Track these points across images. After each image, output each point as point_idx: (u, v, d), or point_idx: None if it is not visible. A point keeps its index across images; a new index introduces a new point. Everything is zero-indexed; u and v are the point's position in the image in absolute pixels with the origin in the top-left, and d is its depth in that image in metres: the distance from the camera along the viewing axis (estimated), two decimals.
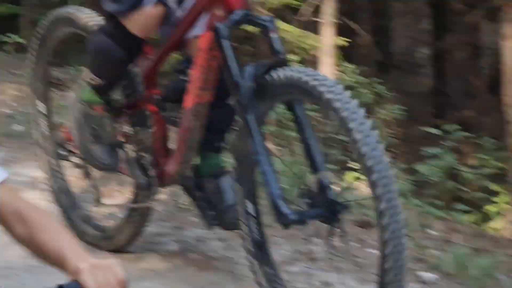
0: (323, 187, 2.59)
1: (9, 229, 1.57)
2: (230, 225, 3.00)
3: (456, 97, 9.81)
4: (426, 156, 5.67)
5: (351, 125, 2.42)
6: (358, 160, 2.48)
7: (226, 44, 2.74)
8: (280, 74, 2.62)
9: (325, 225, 2.64)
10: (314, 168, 2.63)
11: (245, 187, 2.87)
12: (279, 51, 2.73)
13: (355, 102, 2.48)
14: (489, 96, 9.66)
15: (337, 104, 2.44)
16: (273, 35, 2.75)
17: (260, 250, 2.86)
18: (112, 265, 1.38)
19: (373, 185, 2.41)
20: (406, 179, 5.09)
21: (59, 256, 1.46)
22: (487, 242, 4.36)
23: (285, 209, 2.56)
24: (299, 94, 2.62)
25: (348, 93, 2.49)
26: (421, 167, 5.43)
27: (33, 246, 1.52)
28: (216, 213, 3.01)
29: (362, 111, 2.48)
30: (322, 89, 2.45)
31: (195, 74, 2.88)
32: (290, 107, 2.75)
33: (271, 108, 2.88)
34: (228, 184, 3.02)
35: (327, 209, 2.59)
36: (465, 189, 5.76)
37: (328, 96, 2.45)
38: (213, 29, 2.77)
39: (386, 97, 7.53)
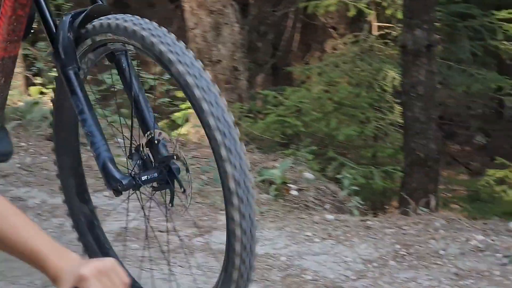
0: (155, 147, 2.48)
1: None
2: None
3: (135, 7, 9.94)
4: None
5: (188, 79, 2.32)
6: (196, 112, 2.42)
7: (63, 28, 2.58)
8: (102, 23, 2.46)
9: None
10: (145, 126, 2.53)
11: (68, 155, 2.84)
12: None
13: (191, 55, 2.38)
14: (170, 4, 9.94)
15: (172, 57, 2.37)
16: None
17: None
18: (114, 267, 1.38)
19: (210, 135, 2.35)
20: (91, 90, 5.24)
21: (34, 254, 1.36)
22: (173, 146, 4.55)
23: (116, 173, 2.43)
24: (125, 45, 2.49)
25: (181, 44, 2.40)
26: (105, 76, 5.39)
27: None
28: None
29: (199, 64, 2.39)
30: (154, 40, 2.35)
31: (0, 25, 2.78)
32: (113, 60, 2.61)
33: (94, 61, 2.69)
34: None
35: (162, 170, 2.51)
36: (151, 96, 5.94)
37: (162, 48, 2.35)
38: None
39: None
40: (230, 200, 2.31)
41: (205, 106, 2.29)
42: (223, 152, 2.29)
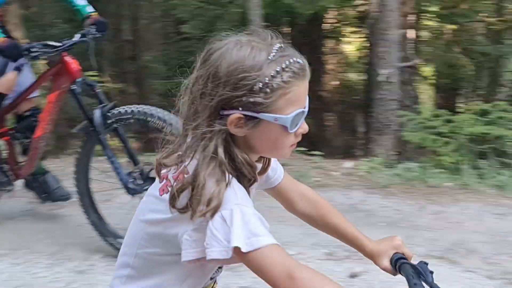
0: (143, 172, 4.12)
1: (291, 202, 2.03)
2: (56, 199, 4.88)
3: None
4: None
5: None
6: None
7: (80, 98, 4.12)
8: (116, 111, 4.02)
9: None
10: (135, 162, 4.14)
11: (83, 182, 4.38)
12: (104, 101, 4.10)
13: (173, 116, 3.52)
14: None
15: (171, 120, 3.80)
16: (98, 91, 4.14)
17: (92, 208, 4.38)
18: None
19: None
20: None
21: (356, 239, 1.95)
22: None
23: (131, 185, 4.08)
24: (135, 121, 4.04)
25: (167, 113, 3.91)
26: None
27: (319, 220, 2.01)
28: (47, 194, 4.88)
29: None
30: (160, 114, 3.91)
31: (45, 116, 4.34)
32: (115, 131, 4.13)
33: (110, 132, 4.17)
34: (50, 177, 4.88)
35: (150, 183, 3.59)
36: None
37: (166, 117, 3.87)
38: (65, 89, 4.16)
39: None
40: None
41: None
42: None
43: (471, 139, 6.36)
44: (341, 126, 10.70)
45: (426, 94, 11.45)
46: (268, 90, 1.59)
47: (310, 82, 1.69)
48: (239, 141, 1.67)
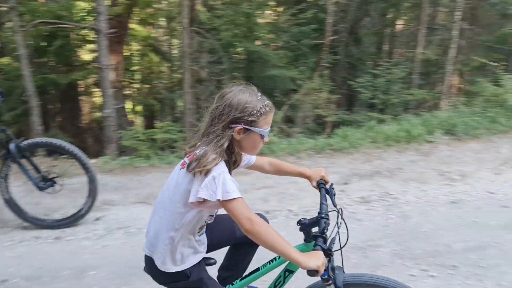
0: (44, 177, 5.44)
1: (263, 169, 2.99)
2: None
3: None
4: None
5: (83, 158, 5.51)
6: (80, 163, 5.49)
7: (12, 147, 5.38)
8: (26, 142, 5.32)
9: None
10: (38, 172, 5.46)
11: (3, 186, 5.50)
12: (13, 138, 5.34)
13: (77, 148, 5.37)
14: None
15: (73, 150, 5.35)
16: (9, 133, 5.34)
17: (10, 198, 5.59)
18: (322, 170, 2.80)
19: (85, 168, 5.51)
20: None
21: (298, 172, 2.98)
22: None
23: (40, 184, 5.43)
24: (46, 149, 5.74)
25: (72, 145, 5.35)
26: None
27: (280, 172, 2.99)
28: None
29: (79, 151, 5.29)
30: (64, 145, 5.36)
31: None
32: (24, 155, 5.41)
33: (24, 156, 5.45)
34: None
35: (50, 182, 5.63)
36: None
37: (69, 148, 5.32)
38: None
39: None
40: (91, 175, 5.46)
41: (89, 164, 5.44)
42: (94, 173, 5.46)
43: (161, 141, 8.99)
44: (93, 141, 14.00)
45: (138, 120, 16.46)
46: (258, 114, 2.51)
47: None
48: (235, 142, 2.55)
